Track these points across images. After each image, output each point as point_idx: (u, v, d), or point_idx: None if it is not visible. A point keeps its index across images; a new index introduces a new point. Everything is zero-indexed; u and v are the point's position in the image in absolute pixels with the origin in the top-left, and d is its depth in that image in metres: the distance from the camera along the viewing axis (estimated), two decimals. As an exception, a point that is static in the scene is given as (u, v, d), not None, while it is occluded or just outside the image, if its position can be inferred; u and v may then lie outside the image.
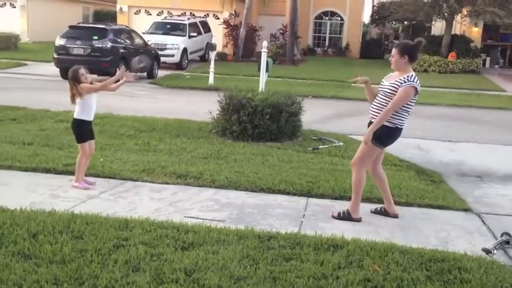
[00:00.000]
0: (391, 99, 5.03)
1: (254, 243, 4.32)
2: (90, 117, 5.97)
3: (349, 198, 5.53)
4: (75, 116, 5.95)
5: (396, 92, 5.01)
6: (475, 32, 27.98)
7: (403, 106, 5.07)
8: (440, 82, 20.43)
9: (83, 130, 5.96)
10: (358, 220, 5.26)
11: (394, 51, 5.18)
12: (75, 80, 5.80)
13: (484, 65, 27.12)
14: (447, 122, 12.36)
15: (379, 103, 5.15)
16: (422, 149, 9.13)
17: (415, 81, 5.03)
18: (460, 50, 25.18)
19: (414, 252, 4.33)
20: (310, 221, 5.22)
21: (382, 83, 5.25)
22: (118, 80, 6.06)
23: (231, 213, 5.32)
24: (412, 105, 5.13)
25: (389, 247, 4.40)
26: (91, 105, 5.92)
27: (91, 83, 5.90)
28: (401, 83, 5.02)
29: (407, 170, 7.33)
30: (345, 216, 5.28)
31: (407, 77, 5.03)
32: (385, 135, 5.16)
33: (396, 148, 7.47)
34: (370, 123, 5.21)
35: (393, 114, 5.07)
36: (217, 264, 3.91)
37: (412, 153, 8.57)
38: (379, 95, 5.19)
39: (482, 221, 5.55)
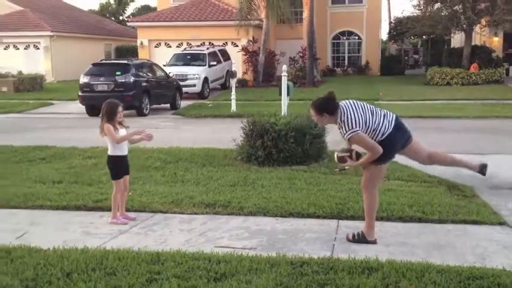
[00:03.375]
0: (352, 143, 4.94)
1: (287, 270, 4.28)
2: (124, 151, 5.93)
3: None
4: (110, 153, 5.91)
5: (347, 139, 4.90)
6: (496, 42, 27.74)
7: (370, 120, 4.86)
8: (464, 94, 20.20)
9: (118, 166, 5.91)
10: (374, 242, 5.12)
11: (312, 111, 5.01)
12: (111, 114, 5.74)
13: (507, 74, 26.76)
14: (475, 134, 12.15)
15: None
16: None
17: (349, 123, 4.79)
18: (481, 61, 24.92)
19: (452, 271, 4.22)
20: (343, 244, 5.14)
21: None
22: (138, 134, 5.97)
23: (262, 240, 5.28)
24: (373, 111, 4.94)
25: (426, 267, 4.30)
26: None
27: (121, 122, 5.91)
28: (345, 133, 4.88)
29: (438, 186, 7.20)
30: (360, 239, 5.16)
31: (341, 122, 4.86)
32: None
33: (425, 164, 7.35)
34: None
35: (373, 131, 4.89)
36: (251, 294, 3.87)
37: (441, 168, 8.38)
38: None
39: (520, 234, 5.40)
